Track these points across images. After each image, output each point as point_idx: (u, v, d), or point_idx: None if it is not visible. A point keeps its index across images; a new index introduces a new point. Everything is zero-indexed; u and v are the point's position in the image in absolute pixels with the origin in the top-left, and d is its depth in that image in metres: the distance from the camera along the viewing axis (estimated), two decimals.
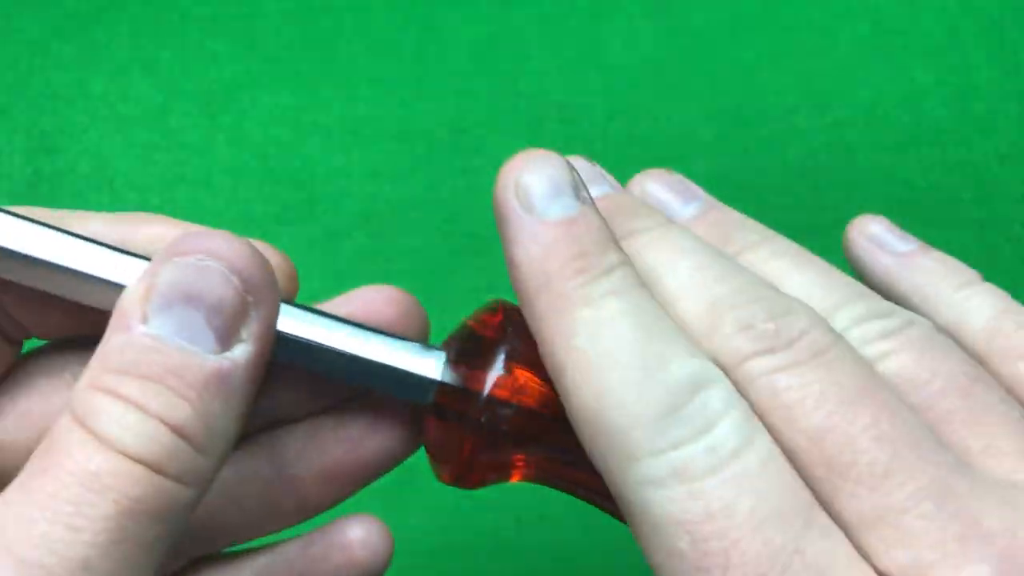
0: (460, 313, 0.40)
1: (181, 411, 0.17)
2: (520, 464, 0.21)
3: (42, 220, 0.21)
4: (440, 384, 0.21)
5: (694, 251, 0.20)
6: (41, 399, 0.21)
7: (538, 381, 0.20)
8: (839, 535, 0.17)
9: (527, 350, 0.20)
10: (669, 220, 0.21)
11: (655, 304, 0.18)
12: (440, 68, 0.43)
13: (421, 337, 0.23)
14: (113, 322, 0.18)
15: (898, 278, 0.23)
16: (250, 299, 0.18)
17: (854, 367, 0.18)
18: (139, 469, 0.16)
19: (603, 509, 0.22)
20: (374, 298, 0.22)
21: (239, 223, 0.41)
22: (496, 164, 0.38)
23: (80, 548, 0.16)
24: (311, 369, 0.21)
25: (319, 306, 0.22)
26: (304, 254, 0.41)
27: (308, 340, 0.21)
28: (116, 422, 0.17)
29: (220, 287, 0.18)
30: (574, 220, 0.19)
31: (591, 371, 0.17)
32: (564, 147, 0.42)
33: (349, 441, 0.22)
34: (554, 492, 0.38)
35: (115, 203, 0.41)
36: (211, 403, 0.17)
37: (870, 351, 0.19)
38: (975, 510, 0.16)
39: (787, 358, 0.18)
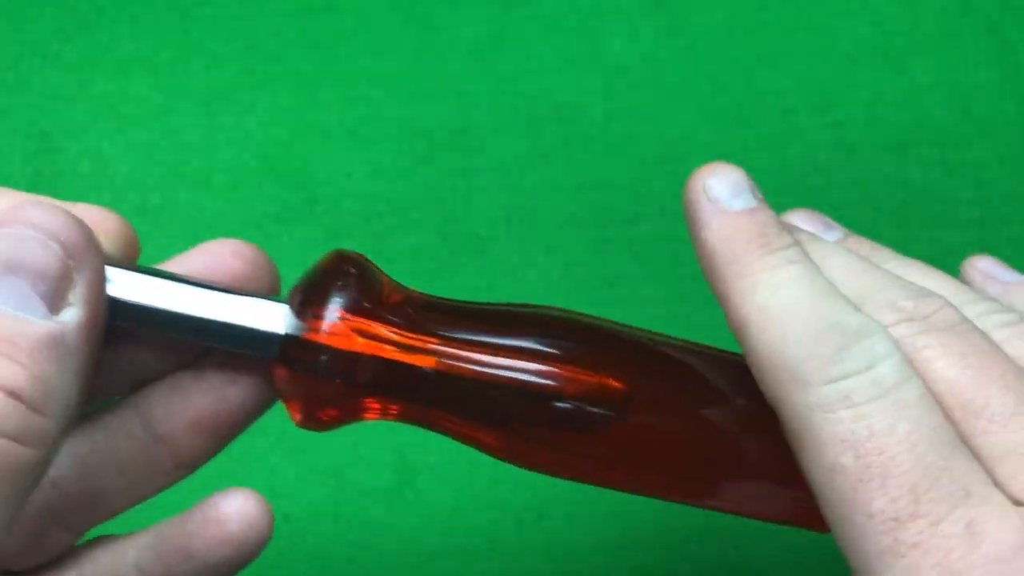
0: None
1: (14, 375, 0.18)
2: (373, 406, 0.22)
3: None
4: (282, 336, 0.22)
5: (844, 253, 0.23)
6: None
7: (373, 324, 0.22)
8: (977, 463, 0.20)
9: (362, 296, 0.22)
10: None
11: (824, 275, 0.22)
12: (440, 68, 0.43)
13: (270, 291, 0.23)
14: None
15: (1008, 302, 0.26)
16: (72, 263, 0.19)
17: (981, 337, 0.21)
18: None
19: (477, 447, 0.24)
20: (220, 252, 0.23)
21: (239, 223, 0.41)
22: (496, 164, 0.38)
23: None
24: (159, 332, 0.22)
25: (164, 265, 0.23)
26: (304, 254, 0.41)
27: (149, 305, 0.21)
28: None
29: (41, 255, 0.19)
30: (754, 210, 0.23)
31: (773, 320, 0.21)
32: (564, 147, 0.42)
33: (212, 392, 0.23)
34: (554, 492, 0.38)
35: (116, 203, 0.41)
36: (44, 366, 0.18)
37: (993, 337, 0.22)
38: None
39: (925, 326, 0.21)
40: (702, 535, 0.38)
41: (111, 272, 0.21)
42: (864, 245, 0.26)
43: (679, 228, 0.42)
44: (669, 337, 0.25)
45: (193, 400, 0.23)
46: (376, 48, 0.44)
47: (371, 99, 0.43)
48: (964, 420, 0.20)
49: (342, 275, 0.22)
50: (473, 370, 0.22)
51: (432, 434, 0.40)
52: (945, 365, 0.21)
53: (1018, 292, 0.27)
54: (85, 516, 0.23)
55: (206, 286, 0.22)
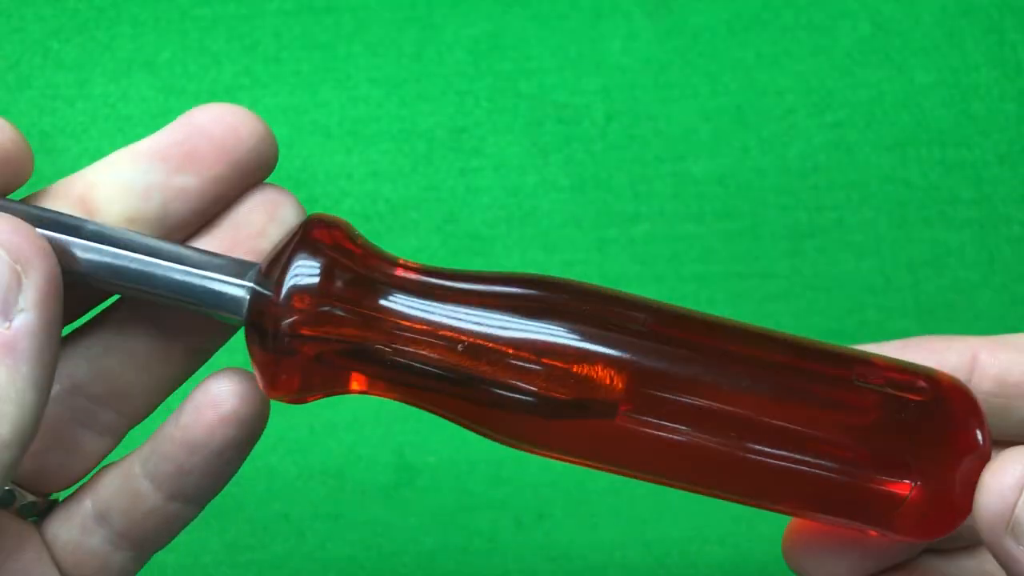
0: None
1: None
2: (357, 379, 0.21)
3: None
4: (250, 302, 0.21)
5: None
6: None
7: (331, 299, 0.20)
8: None
9: (327, 267, 0.21)
10: None
11: None
12: (440, 68, 0.43)
13: (262, 155, 0.24)
14: None
15: None
16: (19, 269, 0.19)
17: None
18: None
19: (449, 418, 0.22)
20: (202, 120, 0.22)
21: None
22: (496, 164, 0.38)
23: None
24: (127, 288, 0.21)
25: (148, 139, 0.22)
26: None
27: (118, 264, 0.21)
28: None
29: None
30: None
31: None
32: (564, 147, 0.42)
33: None
34: (554, 492, 0.38)
35: None
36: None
37: None
38: None
39: None
40: (701, 535, 0.38)
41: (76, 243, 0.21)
42: None
43: (679, 228, 0.42)
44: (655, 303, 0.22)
45: None
46: (376, 48, 0.44)
47: (371, 99, 0.43)
48: None
49: (310, 243, 0.21)
50: (422, 353, 0.21)
51: (432, 434, 0.41)
52: None
53: None
54: (115, 417, 0.23)
55: (172, 248, 0.21)
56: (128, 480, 0.23)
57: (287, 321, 0.20)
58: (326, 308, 0.20)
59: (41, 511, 0.23)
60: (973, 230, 0.41)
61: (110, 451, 0.24)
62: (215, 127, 0.22)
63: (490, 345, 0.20)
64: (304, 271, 0.20)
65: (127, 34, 0.44)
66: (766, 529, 0.38)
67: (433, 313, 0.21)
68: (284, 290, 0.20)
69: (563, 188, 0.42)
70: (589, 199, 0.42)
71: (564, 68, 0.43)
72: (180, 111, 0.44)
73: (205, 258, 0.21)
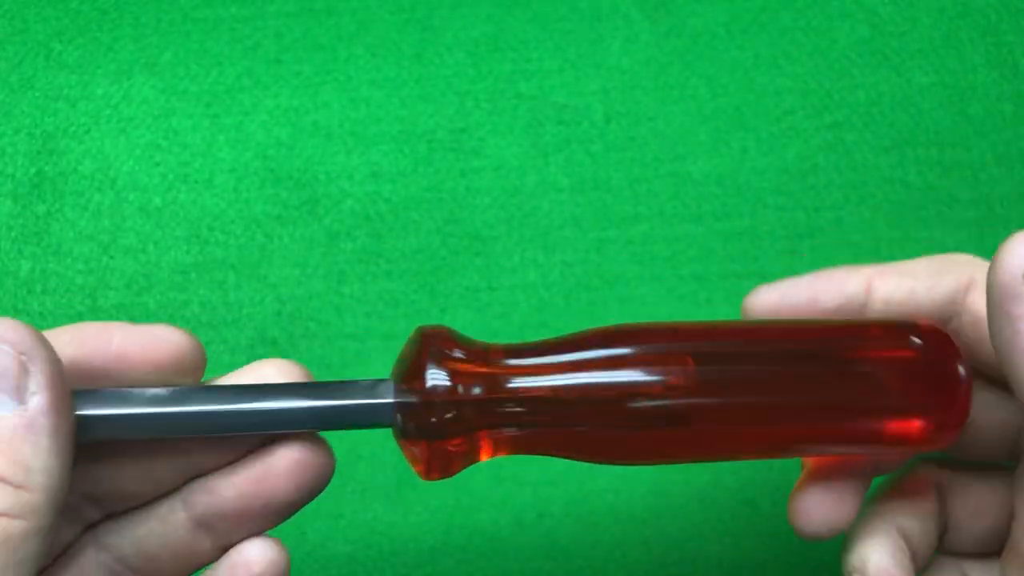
0: (460, 313, 0.40)
1: None
2: (486, 444, 0.26)
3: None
4: (395, 405, 0.25)
5: None
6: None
7: (471, 368, 0.25)
8: None
9: (451, 354, 0.25)
10: None
11: None
12: (440, 68, 0.44)
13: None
14: None
15: None
16: (25, 358, 0.22)
17: None
18: None
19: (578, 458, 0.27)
20: (267, 373, 0.26)
21: (240, 223, 0.41)
22: (496, 164, 0.39)
23: None
24: (266, 429, 0.25)
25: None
26: (304, 254, 0.41)
27: (264, 408, 0.24)
28: None
29: None
30: None
31: None
32: (564, 148, 0.42)
33: (242, 486, 0.25)
34: (554, 492, 0.38)
35: (117, 203, 0.41)
36: (20, 448, 0.22)
37: None
38: None
39: None
40: (701, 535, 0.38)
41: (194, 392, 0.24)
42: None
43: (679, 228, 0.42)
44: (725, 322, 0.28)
45: (224, 493, 0.25)
46: (376, 49, 0.44)
47: (371, 99, 0.43)
48: None
49: (430, 342, 0.25)
50: (556, 387, 0.25)
51: None
52: None
53: None
54: None
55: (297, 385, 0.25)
56: None
57: (435, 418, 0.25)
58: (462, 400, 0.25)
59: None
60: (971, 231, 0.41)
61: None
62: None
63: (586, 393, 0.25)
64: (438, 376, 0.25)
65: (129, 35, 0.44)
66: (765, 527, 0.38)
67: (540, 380, 0.25)
68: (428, 395, 0.25)
69: (563, 188, 0.42)
70: (589, 199, 0.42)
71: (564, 69, 0.43)
72: (182, 112, 0.45)
73: (339, 385, 0.25)
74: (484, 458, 0.26)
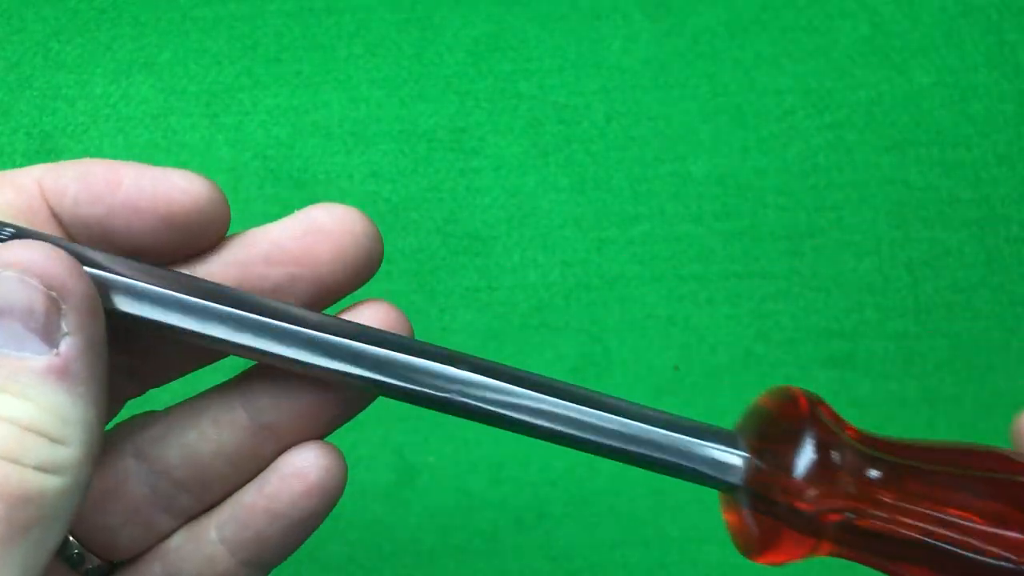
0: (460, 313, 0.40)
1: (26, 410, 0.19)
2: (827, 546, 0.22)
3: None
4: (748, 472, 0.22)
5: None
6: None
7: (840, 477, 0.22)
8: None
9: (828, 446, 0.22)
10: None
11: None
12: (440, 68, 0.43)
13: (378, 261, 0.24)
14: None
15: None
16: (55, 295, 0.19)
17: None
18: (3, 465, 0.18)
19: None
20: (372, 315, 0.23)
21: (240, 223, 0.41)
22: (496, 164, 0.39)
23: None
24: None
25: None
26: None
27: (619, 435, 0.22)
28: None
29: (26, 293, 0.19)
30: None
31: None
32: (564, 147, 0.42)
33: (317, 385, 0.23)
34: (554, 492, 0.38)
35: None
36: (54, 396, 0.19)
37: None
38: None
39: None
40: (701, 535, 0.38)
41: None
42: None
43: (679, 228, 0.42)
44: None
45: (297, 390, 0.23)
46: (377, 49, 0.44)
47: (371, 99, 0.43)
48: None
49: (805, 421, 0.22)
50: (936, 535, 0.22)
51: (432, 434, 0.41)
52: None
53: None
54: (191, 503, 0.23)
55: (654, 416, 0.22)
56: (201, 545, 0.23)
57: (796, 495, 0.21)
58: (829, 484, 0.21)
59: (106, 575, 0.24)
60: (972, 230, 0.41)
61: (171, 531, 0.24)
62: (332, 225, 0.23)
63: (968, 522, 0.22)
64: (813, 449, 0.22)
65: (128, 35, 0.44)
66: None
67: (913, 489, 0.22)
68: (798, 466, 0.21)
69: (563, 188, 0.42)
70: (589, 199, 0.42)
71: (564, 69, 0.43)
72: (181, 111, 0.45)
73: (679, 420, 0.22)
74: (817, 555, 0.23)
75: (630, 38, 0.44)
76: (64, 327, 0.19)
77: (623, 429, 0.22)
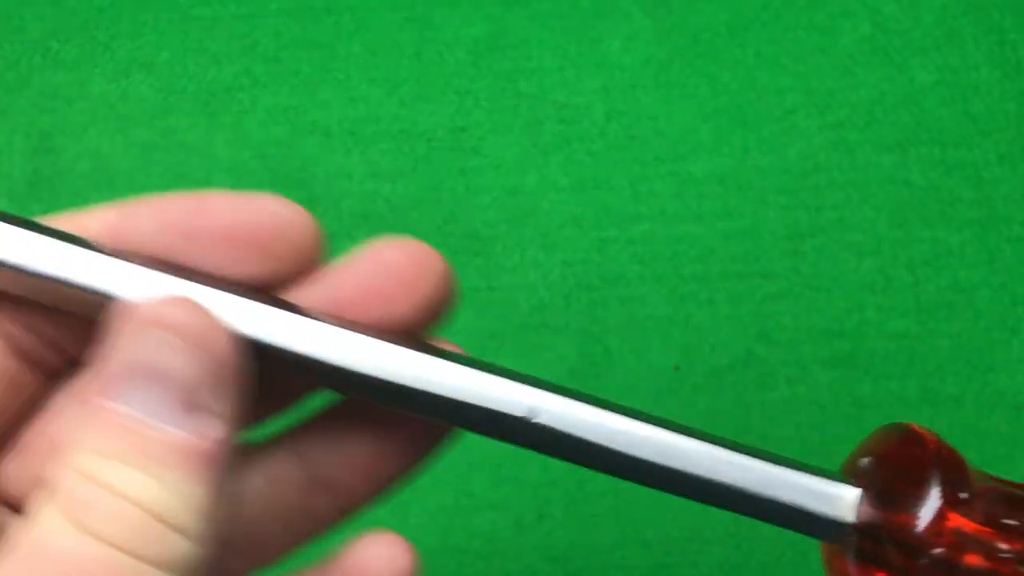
0: (460, 313, 0.40)
1: (158, 495, 0.16)
2: None
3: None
4: (858, 526, 0.20)
5: None
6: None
7: (967, 525, 0.20)
8: None
9: (955, 491, 0.19)
10: None
11: None
12: (440, 68, 0.43)
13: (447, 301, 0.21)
14: (83, 397, 0.17)
15: None
16: (214, 372, 0.17)
17: None
18: (117, 555, 0.16)
19: None
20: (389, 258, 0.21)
21: None
22: (496, 164, 0.39)
23: None
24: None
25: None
26: None
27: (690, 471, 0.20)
28: (94, 507, 0.16)
29: (177, 361, 0.17)
30: None
31: None
32: (564, 147, 0.42)
33: (379, 436, 0.21)
34: (554, 492, 0.38)
35: None
36: (190, 487, 0.17)
37: None
38: None
39: None
40: (702, 535, 0.38)
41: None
42: None
43: (679, 228, 0.42)
44: None
45: (356, 443, 0.21)
46: (376, 48, 0.44)
47: (370, 98, 0.43)
48: None
49: (933, 461, 0.20)
50: None
51: None
52: None
53: None
54: (241, 563, 0.21)
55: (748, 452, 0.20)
56: None
57: (920, 545, 0.19)
58: (953, 534, 0.19)
59: None
60: (973, 230, 0.41)
61: None
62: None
63: None
64: (939, 494, 0.19)
65: (126, 34, 0.44)
66: (766, 530, 0.38)
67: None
68: (924, 512, 0.19)
69: (563, 188, 0.42)
70: (589, 199, 0.42)
71: (564, 68, 0.43)
72: (180, 111, 0.45)
73: (781, 458, 0.20)
74: None
75: (630, 37, 0.44)
76: (215, 405, 0.17)
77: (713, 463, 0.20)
